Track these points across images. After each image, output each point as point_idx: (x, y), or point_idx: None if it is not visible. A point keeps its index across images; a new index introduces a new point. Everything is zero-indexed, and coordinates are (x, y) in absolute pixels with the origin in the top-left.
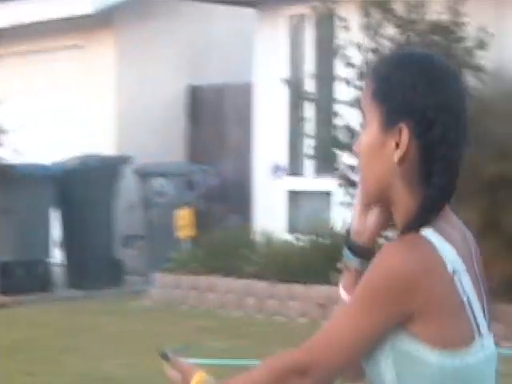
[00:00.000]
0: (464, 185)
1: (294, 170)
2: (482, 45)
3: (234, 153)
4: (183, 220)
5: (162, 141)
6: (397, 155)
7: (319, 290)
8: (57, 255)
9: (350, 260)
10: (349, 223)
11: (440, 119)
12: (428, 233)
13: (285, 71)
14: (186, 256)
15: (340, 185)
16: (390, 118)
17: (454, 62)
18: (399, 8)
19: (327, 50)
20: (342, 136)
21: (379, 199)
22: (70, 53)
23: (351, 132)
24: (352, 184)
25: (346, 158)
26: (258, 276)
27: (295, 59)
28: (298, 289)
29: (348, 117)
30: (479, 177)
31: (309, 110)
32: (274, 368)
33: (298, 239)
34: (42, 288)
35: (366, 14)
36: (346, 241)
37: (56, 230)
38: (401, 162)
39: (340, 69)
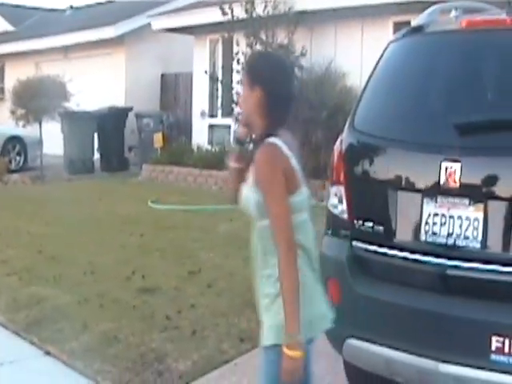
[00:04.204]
0: (295, 120)
1: (212, 113)
2: (302, 54)
3: (184, 106)
4: (157, 138)
5: (148, 99)
6: (254, 101)
7: (221, 173)
8: (96, 155)
9: (234, 147)
10: (236, 131)
11: (274, 85)
12: (274, 139)
13: (207, 67)
14: (158, 156)
15: (234, 122)
16: (252, 82)
17: (289, 62)
18: (263, 36)
19: (229, 56)
20: (235, 97)
21: (248, 121)
22: (104, 56)
23: (238, 95)
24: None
25: (236, 108)
26: (194, 166)
27: (213, 62)
28: (213, 173)
29: (237, 88)
30: (299, 117)
31: (219, 86)
32: (283, 267)
33: (212, 148)
34: (89, 171)
35: (249, 38)
36: (234, 138)
37: (96, 143)
38: (256, 104)
39: (235, 64)
